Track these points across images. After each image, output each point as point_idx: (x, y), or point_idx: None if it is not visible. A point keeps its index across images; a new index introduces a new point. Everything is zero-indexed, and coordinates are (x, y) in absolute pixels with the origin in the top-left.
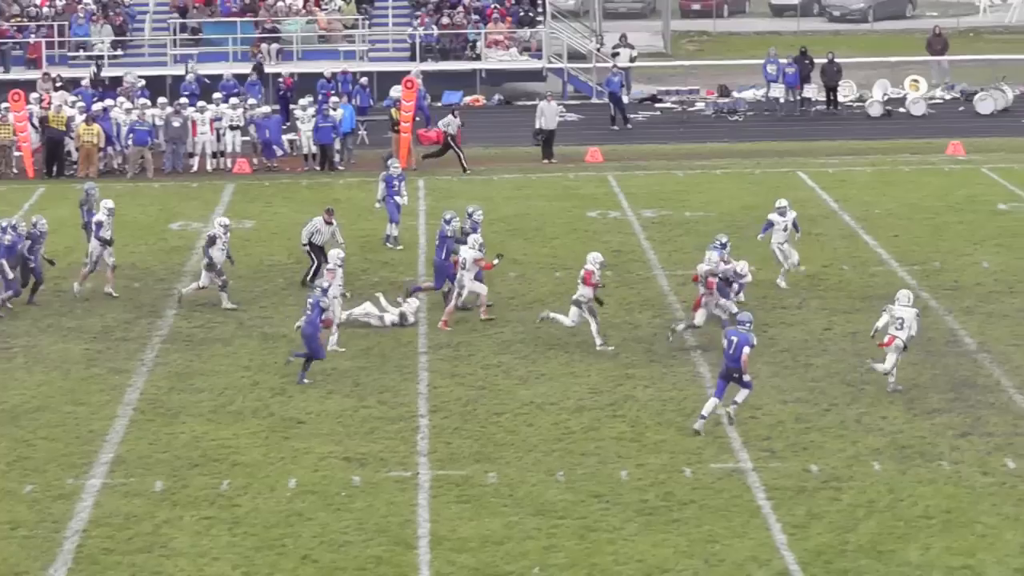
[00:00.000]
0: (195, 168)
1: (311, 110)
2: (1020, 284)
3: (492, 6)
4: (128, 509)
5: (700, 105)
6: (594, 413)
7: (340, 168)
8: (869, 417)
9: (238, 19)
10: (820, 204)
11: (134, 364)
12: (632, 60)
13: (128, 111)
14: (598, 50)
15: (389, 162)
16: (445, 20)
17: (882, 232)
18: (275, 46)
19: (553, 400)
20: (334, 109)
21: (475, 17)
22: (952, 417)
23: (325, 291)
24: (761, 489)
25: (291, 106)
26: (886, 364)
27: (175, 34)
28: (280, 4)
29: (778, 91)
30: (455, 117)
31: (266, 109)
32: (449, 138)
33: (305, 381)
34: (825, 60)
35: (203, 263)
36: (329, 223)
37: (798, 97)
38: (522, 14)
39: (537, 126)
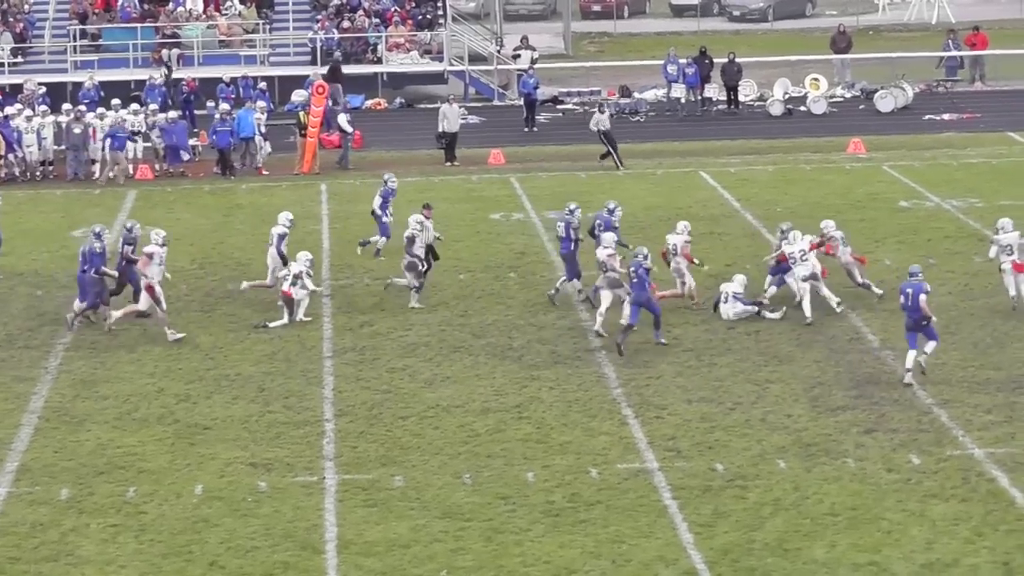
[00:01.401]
0: (97, 175)
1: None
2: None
3: (393, 9)
4: (34, 517)
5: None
6: (499, 415)
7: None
8: (774, 415)
9: (138, 25)
10: (722, 204)
11: (38, 372)
12: (533, 62)
13: (29, 119)
14: (499, 52)
15: (386, 176)
16: (346, 24)
17: None
18: (176, 51)
19: (458, 403)
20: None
21: (376, 20)
22: (856, 414)
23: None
24: (667, 489)
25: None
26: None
27: (75, 40)
28: (180, 9)
29: (679, 91)
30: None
31: (173, 114)
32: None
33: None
34: (725, 60)
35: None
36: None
37: (699, 97)
38: (422, 17)
39: (440, 129)
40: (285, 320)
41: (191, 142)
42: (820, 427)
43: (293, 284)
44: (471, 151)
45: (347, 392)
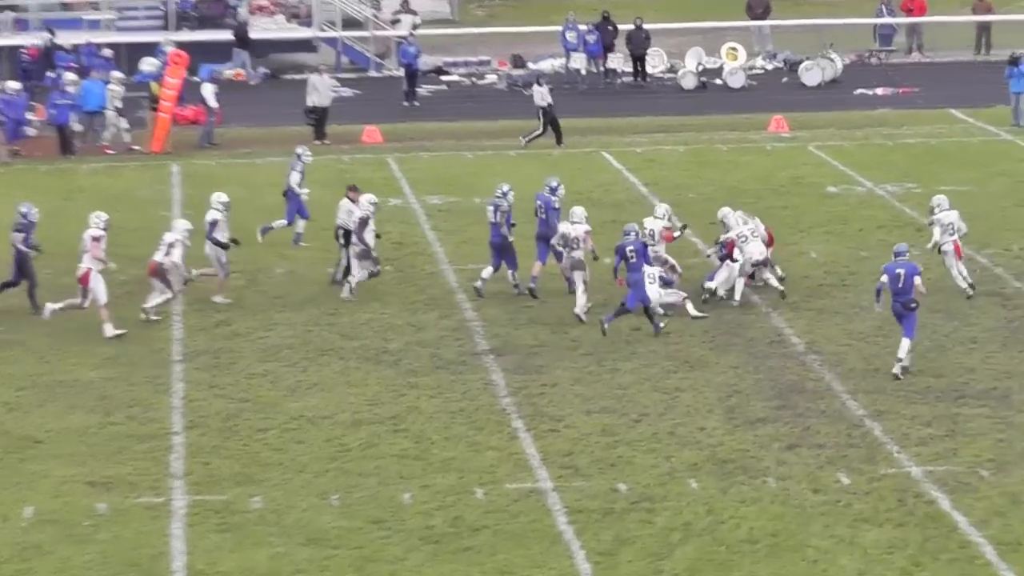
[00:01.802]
0: None
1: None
2: (853, 276)
3: None
4: None
5: (492, 78)
6: (373, 428)
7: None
8: (685, 428)
9: None
10: (627, 188)
11: None
12: (415, 28)
13: None
14: (376, 17)
15: (300, 150)
16: None
17: (698, 219)
18: (10, 15)
19: (326, 413)
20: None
21: None
22: (778, 427)
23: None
24: (563, 512)
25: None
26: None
27: None
28: None
29: (579, 61)
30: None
31: (15, 85)
32: None
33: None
34: (631, 26)
35: (356, 251)
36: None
37: (601, 68)
38: None
39: (309, 103)
40: (168, 295)
41: (27, 116)
42: (737, 442)
43: (166, 254)
44: (343, 128)
45: (199, 401)
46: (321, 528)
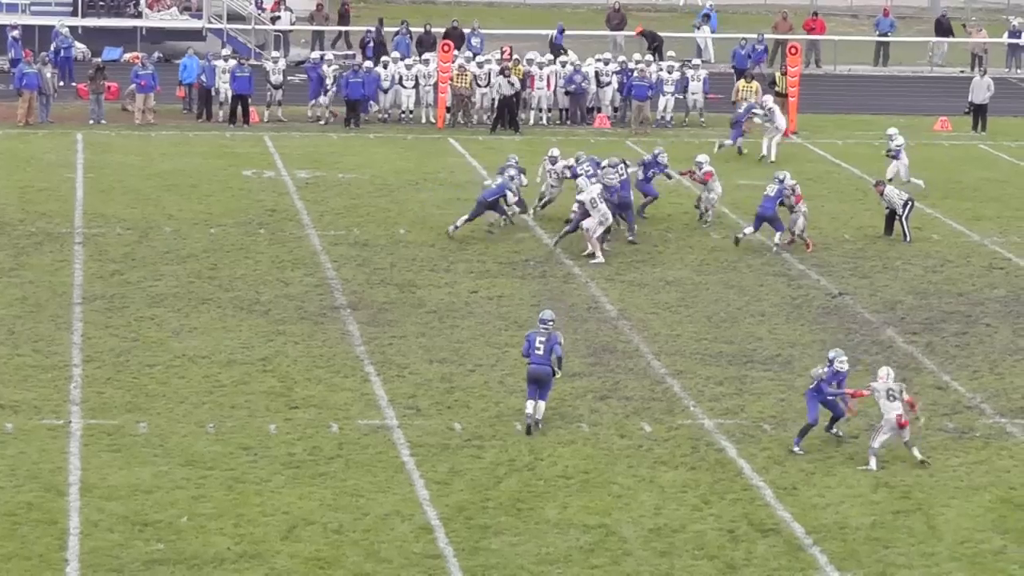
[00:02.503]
0: None
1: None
2: (661, 255)
3: None
4: None
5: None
6: (245, 367)
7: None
8: (512, 379)
9: None
10: (470, 170)
11: None
12: (292, 23)
13: None
14: (259, 13)
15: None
16: None
17: (529, 199)
18: None
19: (204, 353)
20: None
21: None
22: (592, 381)
23: None
24: (406, 446)
25: None
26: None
27: None
28: None
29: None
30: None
31: None
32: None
33: None
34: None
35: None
36: (881, 192)
37: None
38: None
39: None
40: None
41: None
42: (556, 392)
43: None
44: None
45: (95, 339)
46: (198, 452)
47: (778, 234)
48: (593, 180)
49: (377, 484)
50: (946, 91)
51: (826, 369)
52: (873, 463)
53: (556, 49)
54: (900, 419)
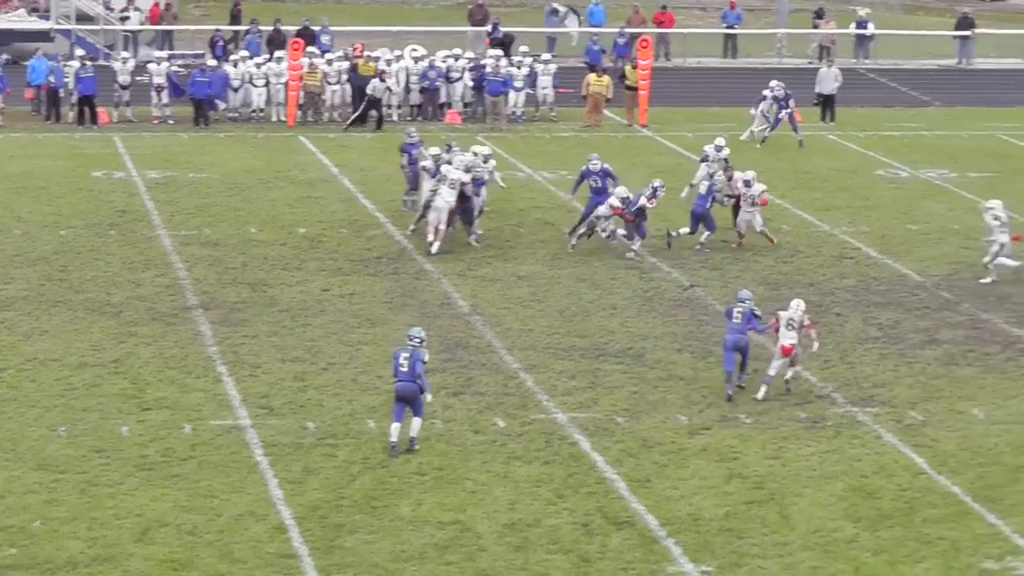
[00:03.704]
0: None
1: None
2: (513, 250)
3: None
4: None
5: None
6: (96, 370)
7: None
8: (366, 376)
9: None
10: (320, 168)
11: None
12: (142, 23)
13: None
14: (108, 13)
15: (406, 131)
16: None
17: (380, 196)
18: None
19: (56, 356)
20: None
21: None
22: (446, 377)
23: None
24: (259, 445)
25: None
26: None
27: None
28: None
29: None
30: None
31: None
32: None
33: None
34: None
35: None
36: (730, 178)
37: None
38: None
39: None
40: None
41: None
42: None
43: None
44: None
45: None
46: (50, 455)
47: (707, 233)
48: (461, 169)
49: (231, 484)
50: (794, 82)
51: (743, 316)
52: (762, 391)
53: (499, 44)
54: (784, 348)
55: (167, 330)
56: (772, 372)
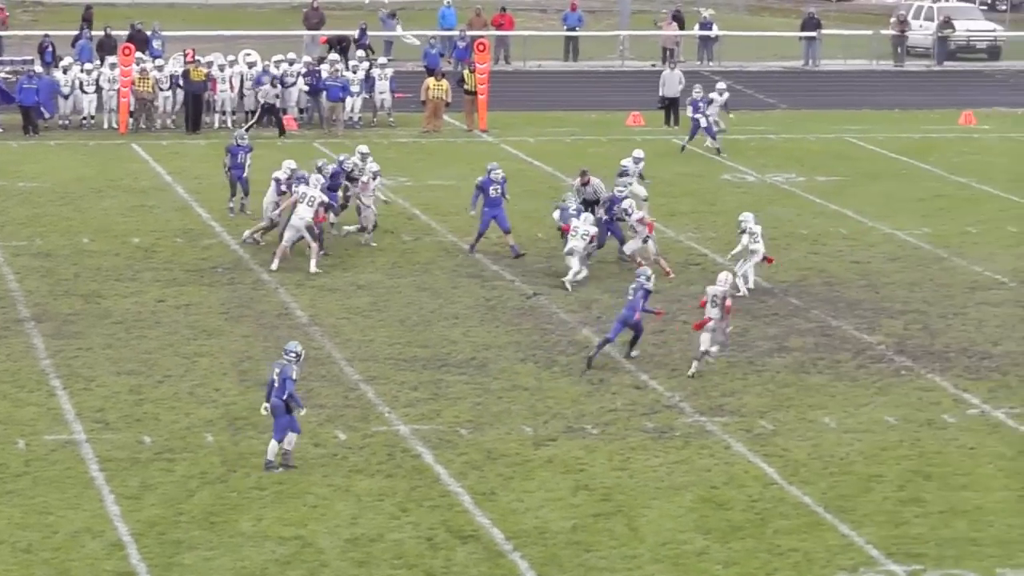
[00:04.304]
0: None
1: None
2: (352, 259)
3: None
4: None
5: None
6: None
7: None
8: (203, 389)
9: None
10: (154, 176)
11: None
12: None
13: None
14: None
15: (236, 133)
16: None
17: (215, 205)
18: None
19: None
20: None
21: None
22: None
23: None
24: (95, 460)
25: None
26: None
27: None
28: None
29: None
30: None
31: None
32: None
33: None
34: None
35: None
36: (585, 183)
37: None
38: None
39: None
40: None
41: None
42: (248, 401)
43: None
44: None
45: None
46: None
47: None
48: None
49: (66, 501)
50: (637, 86)
51: (637, 293)
52: (694, 366)
53: (365, 48)
54: (697, 323)
55: None
56: (703, 348)
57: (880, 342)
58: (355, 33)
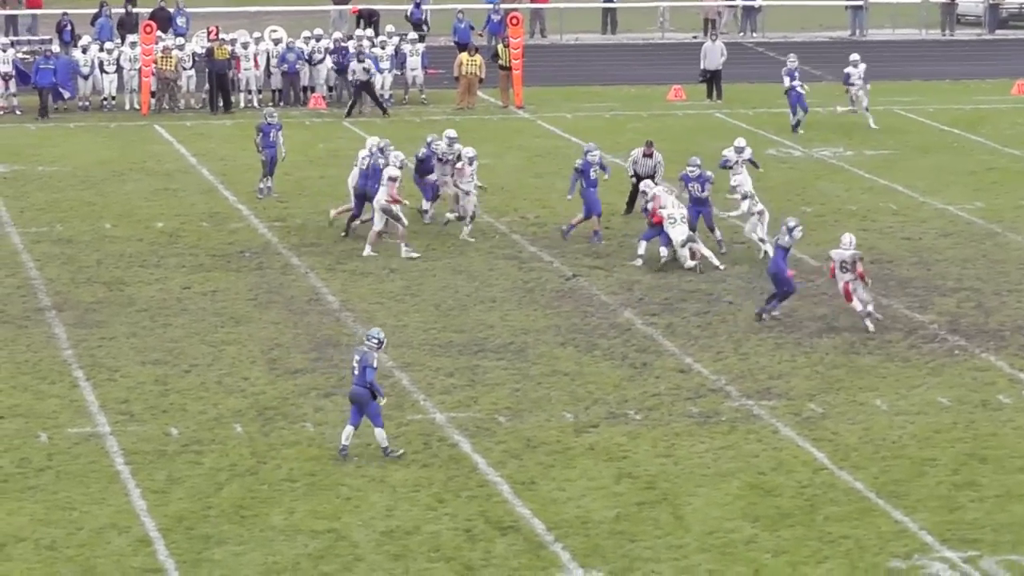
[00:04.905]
0: None
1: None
2: (384, 242)
3: None
4: None
5: None
6: None
7: None
8: (231, 378)
9: None
10: (178, 158)
11: None
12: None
13: None
14: None
15: (265, 111)
16: None
17: (242, 187)
18: None
19: None
20: None
21: None
22: (315, 377)
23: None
24: (120, 453)
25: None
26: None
27: None
28: None
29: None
30: None
31: None
32: None
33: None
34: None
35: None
36: (649, 155)
37: None
38: None
39: None
40: None
41: None
42: (278, 390)
43: None
44: None
45: None
46: None
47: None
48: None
49: (91, 496)
50: (678, 58)
51: (787, 238)
52: (869, 325)
53: (417, 24)
54: (844, 293)
55: (19, 333)
56: (859, 307)
57: (932, 321)
58: (409, 8)
